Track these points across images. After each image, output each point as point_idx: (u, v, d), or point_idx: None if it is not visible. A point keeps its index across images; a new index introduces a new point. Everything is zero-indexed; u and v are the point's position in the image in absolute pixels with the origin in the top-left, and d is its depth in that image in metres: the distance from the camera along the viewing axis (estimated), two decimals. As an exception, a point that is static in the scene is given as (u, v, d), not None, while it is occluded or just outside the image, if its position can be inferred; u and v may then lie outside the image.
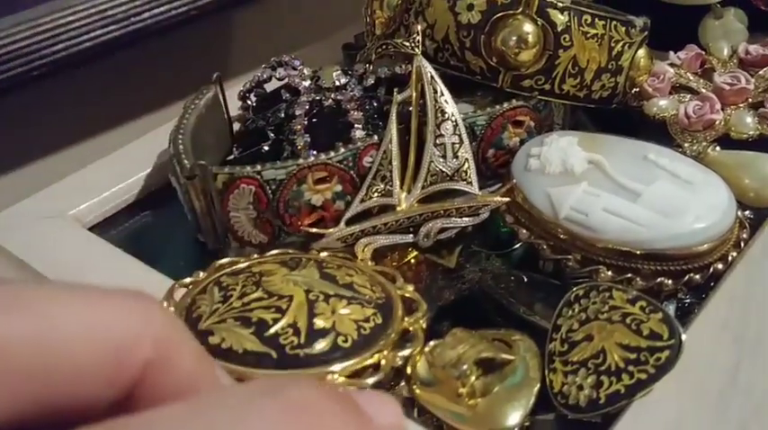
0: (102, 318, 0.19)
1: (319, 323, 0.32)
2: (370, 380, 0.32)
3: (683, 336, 0.31)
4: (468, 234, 0.43)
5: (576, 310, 0.34)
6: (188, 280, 0.36)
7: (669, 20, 0.53)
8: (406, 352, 0.33)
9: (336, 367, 0.31)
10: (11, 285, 0.19)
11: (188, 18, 0.73)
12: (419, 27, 0.41)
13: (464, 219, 0.40)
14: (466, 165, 0.40)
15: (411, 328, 0.34)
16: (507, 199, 0.40)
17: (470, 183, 0.40)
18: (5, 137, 0.65)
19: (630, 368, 0.31)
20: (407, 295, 0.36)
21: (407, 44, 0.40)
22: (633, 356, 0.31)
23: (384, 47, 0.40)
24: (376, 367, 0.32)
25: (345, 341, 0.32)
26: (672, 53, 0.49)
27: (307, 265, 0.36)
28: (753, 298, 0.35)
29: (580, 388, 0.31)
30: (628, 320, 0.32)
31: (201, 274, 0.37)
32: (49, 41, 0.65)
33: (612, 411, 0.30)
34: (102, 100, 0.71)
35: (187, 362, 0.20)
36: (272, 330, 0.32)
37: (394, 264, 0.42)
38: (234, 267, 0.37)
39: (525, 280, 0.42)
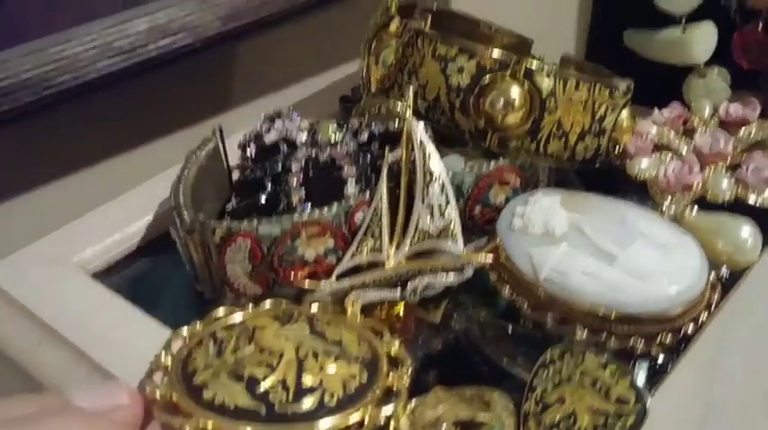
0: None
1: (307, 381, 0.34)
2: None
3: (649, 402, 0.32)
4: (456, 286, 0.45)
5: (551, 372, 0.35)
6: (185, 330, 0.38)
7: (656, 77, 0.55)
8: (389, 409, 0.35)
9: (321, 424, 0.33)
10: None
11: (192, 50, 0.76)
12: (411, 90, 0.43)
13: (449, 275, 0.42)
14: (452, 225, 0.42)
15: (395, 385, 0.36)
16: (491, 258, 0.42)
17: (456, 241, 0.42)
18: (14, 166, 0.68)
19: (599, 431, 0.32)
20: (393, 351, 0.38)
21: (399, 107, 0.42)
22: (601, 420, 0.33)
23: (378, 108, 0.42)
24: (360, 424, 0.34)
25: (331, 398, 0.34)
26: (656, 111, 0.51)
27: (298, 321, 0.38)
28: (720, 361, 0.37)
29: (552, 448, 0.33)
30: (598, 385, 0.34)
31: (199, 325, 0.39)
32: (56, 71, 0.68)
33: (581, 472, 0.32)
34: (108, 130, 0.73)
35: None
36: (263, 386, 0.33)
37: (383, 314, 0.44)
38: (229, 321, 0.38)
39: (510, 331, 0.43)
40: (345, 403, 0.34)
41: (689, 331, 0.39)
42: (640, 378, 0.39)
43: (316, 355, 0.35)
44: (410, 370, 0.37)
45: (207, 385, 0.34)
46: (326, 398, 0.34)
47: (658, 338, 0.39)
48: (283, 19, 0.81)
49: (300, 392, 0.34)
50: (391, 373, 0.36)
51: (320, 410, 0.33)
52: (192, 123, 0.78)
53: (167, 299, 0.45)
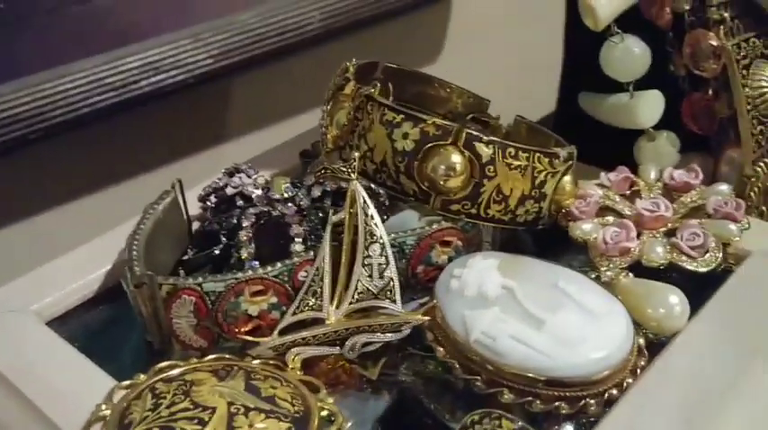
0: None
1: None
2: None
3: (557, 469, 0.34)
4: (398, 344, 0.46)
5: (471, 435, 0.37)
6: (127, 382, 0.40)
7: (608, 139, 0.57)
8: None
9: None
10: None
11: (185, 86, 0.78)
12: (356, 154, 0.45)
13: (387, 334, 0.44)
14: (391, 285, 0.44)
15: None
16: (427, 318, 0.44)
17: (394, 301, 0.44)
18: (4, 197, 0.70)
19: (510, 495, 0.34)
20: (327, 408, 0.39)
21: (344, 170, 0.44)
22: (512, 484, 0.34)
23: (323, 171, 0.44)
24: None
25: None
26: (603, 174, 0.53)
27: (235, 376, 0.39)
28: (635, 424, 0.38)
29: None
30: (512, 450, 0.35)
31: (142, 377, 0.40)
32: (49, 107, 0.70)
33: None
34: (99, 163, 0.76)
35: None
36: None
37: (329, 366, 0.46)
38: (169, 373, 0.40)
39: (452, 386, 0.45)
40: None
41: (613, 394, 0.40)
42: (564, 439, 0.41)
43: (247, 412, 0.37)
44: (344, 426, 0.38)
45: None
46: None
47: (582, 403, 0.40)
48: (274, 57, 0.84)
49: None
50: None
51: None
52: (181, 156, 0.80)
53: (119, 348, 0.47)
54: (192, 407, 0.37)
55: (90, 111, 0.72)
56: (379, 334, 0.44)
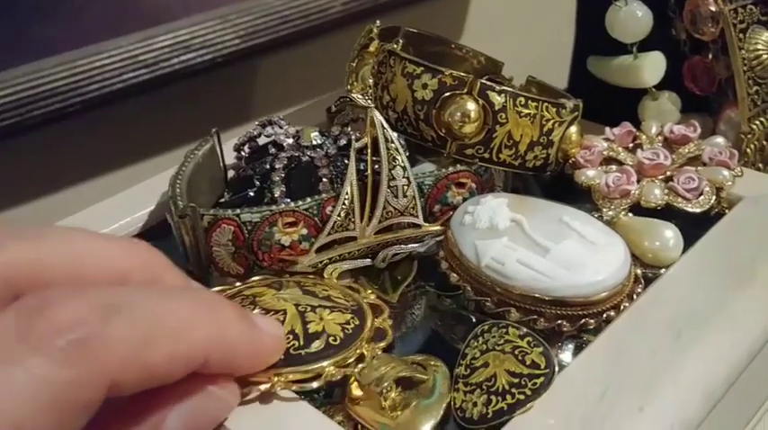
0: (111, 255, 0.31)
1: (312, 328, 0.41)
2: (357, 368, 0.40)
3: (557, 367, 0.38)
4: (417, 276, 0.51)
5: (480, 342, 0.41)
6: None
7: (614, 98, 0.61)
8: (382, 344, 0.42)
9: (331, 361, 0.40)
10: (36, 227, 0.32)
11: (213, 65, 0.83)
12: (370, 81, 0.49)
13: (411, 245, 0.50)
14: (413, 203, 0.49)
15: (381, 326, 0.43)
16: (443, 227, 0.49)
17: (416, 216, 0.49)
18: (44, 167, 0.75)
19: (513, 390, 0.38)
20: (371, 301, 0.45)
21: (361, 98, 0.49)
22: (516, 381, 0.38)
23: (342, 99, 0.49)
24: (360, 358, 0.41)
25: (335, 340, 0.40)
26: (607, 129, 0.57)
27: (289, 286, 0.45)
28: (629, 339, 0.42)
29: (474, 405, 0.39)
30: (516, 352, 0.39)
31: None
32: (85, 81, 0.74)
33: (497, 424, 0.38)
34: (132, 137, 0.80)
35: (170, 279, 0.36)
36: None
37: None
38: (227, 292, 0.45)
39: (471, 319, 0.49)
40: (347, 343, 0.41)
41: (611, 315, 0.45)
42: (566, 354, 0.45)
43: (313, 309, 0.42)
44: (386, 315, 0.44)
45: None
46: (331, 340, 0.40)
47: (582, 321, 0.44)
48: (298, 39, 0.88)
49: (309, 338, 0.40)
50: (375, 318, 0.43)
51: (328, 350, 0.40)
52: (207, 134, 0.85)
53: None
54: (263, 312, 0.42)
55: (123, 86, 0.76)
56: (405, 245, 0.49)
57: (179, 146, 0.85)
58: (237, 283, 0.47)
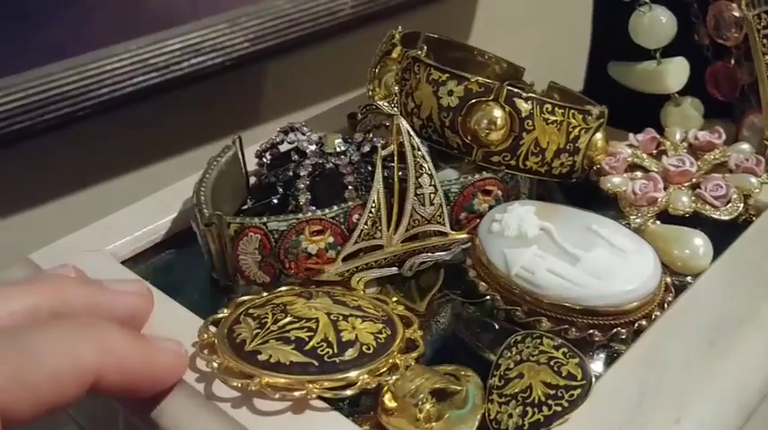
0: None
1: (345, 336, 0.41)
2: (391, 379, 0.40)
3: (593, 379, 0.38)
4: (443, 284, 0.51)
5: (514, 353, 0.41)
6: (217, 316, 0.44)
7: (638, 105, 0.61)
8: (414, 354, 0.42)
9: (365, 369, 0.40)
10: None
11: (223, 68, 0.82)
12: (395, 89, 0.49)
13: (438, 253, 0.49)
14: (440, 211, 0.48)
15: (412, 337, 0.43)
16: (470, 235, 0.49)
17: (443, 224, 0.49)
18: (54, 171, 0.74)
19: (549, 402, 0.38)
20: (400, 313, 0.45)
21: (387, 105, 0.48)
22: (552, 392, 0.38)
23: (368, 107, 0.48)
24: (393, 367, 0.41)
25: (368, 349, 0.40)
26: (631, 135, 0.57)
27: (319, 295, 0.44)
28: (662, 350, 0.42)
29: (510, 416, 0.38)
30: (551, 363, 0.39)
31: (226, 311, 0.44)
32: (96, 85, 0.74)
33: (533, 436, 0.37)
34: (142, 140, 0.80)
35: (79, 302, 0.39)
36: (310, 344, 0.40)
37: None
38: (256, 301, 0.45)
39: (497, 327, 0.49)
40: (380, 351, 0.40)
41: (642, 325, 0.44)
42: (597, 364, 0.44)
43: (345, 318, 0.42)
44: (416, 326, 0.44)
45: (260, 350, 0.40)
46: (364, 349, 0.40)
47: (614, 331, 0.44)
48: (307, 42, 0.88)
49: (342, 346, 0.40)
50: (406, 329, 0.43)
51: (362, 358, 0.40)
52: (218, 137, 0.84)
53: (187, 285, 0.51)
54: (296, 320, 0.41)
55: (134, 90, 0.76)
56: (432, 253, 0.49)
57: (190, 149, 0.84)
58: (264, 293, 0.46)
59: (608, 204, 0.54)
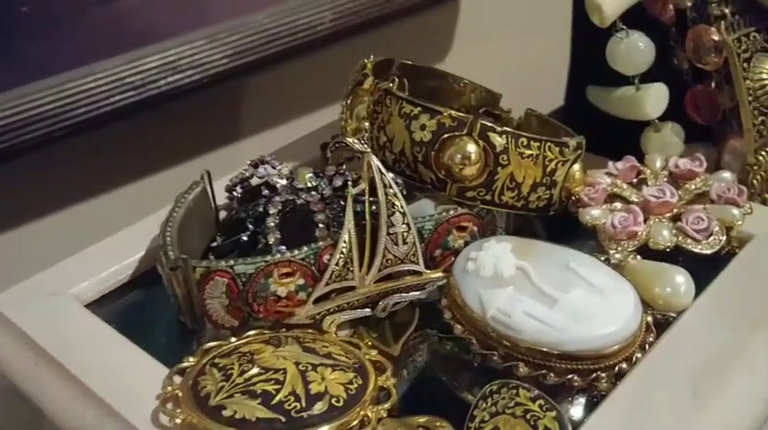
0: None
1: (314, 388, 0.39)
2: None
3: (571, 433, 0.36)
4: (419, 323, 0.49)
5: (489, 403, 0.39)
6: (183, 365, 0.43)
7: (617, 129, 0.60)
8: (387, 405, 0.40)
9: (334, 424, 0.38)
10: None
11: (201, 85, 0.81)
12: (366, 124, 0.48)
13: (413, 293, 0.48)
14: (413, 250, 0.47)
15: (385, 385, 0.42)
16: (445, 274, 0.47)
17: (417, 263, 0.47)
18: (28, 191, 0.72)
19: (526, 457, 0.36)
20: (373, 358, 0.44)
21: (357, 142, 0.47)
22: (529, 448, 0.36)
23: (337, 145, 0.47)
24: (365, 420, 0.39)
25: (338, 402, 0.39)
26: (610, 163, 0.56)
27: (288, 342, 0.43)
28: (644, 397, 0.40)
29: (485, 471, 0.37)
30: (528, 416, 0.38)
31: (192, 359, 0.43)
32: (73, 105, 0.72)
33: (509, 494, 0.36)
34: (121, 160, 0.78)
35: None
36: (277, 398, 0.38)
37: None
38: (222, 349, 0.43)
39: (475, 364, 0.47)
40: (350, 404, 0.39)
41: (623, 368, 0.43)
42: (576, 409, 0.43)
43: (315, 367, 0.41)
44: (389, 372, 0.43)
45: (224, 405, 0.38)
46: (334, 402, 0.39)
47: (593, 375, 0.42)
48: (287, 57, 0.86)
49: (311, 399, 0.39)
50: (378, 376, 0.42)
51: (331, 412, 0.38)
52: (198, 153, 0.83)
53: (153, 328, 0.50)
54: (263, 371, 0.40)
55: (112, 109, 0.74)
56: (406, 293, 0.47)
57: (169, 166, 0.83)
58: (233, 338, 0.45)
59: (587, 235, 0.52)
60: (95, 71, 0.72)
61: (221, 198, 0.56)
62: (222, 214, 0.56)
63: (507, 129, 0.48)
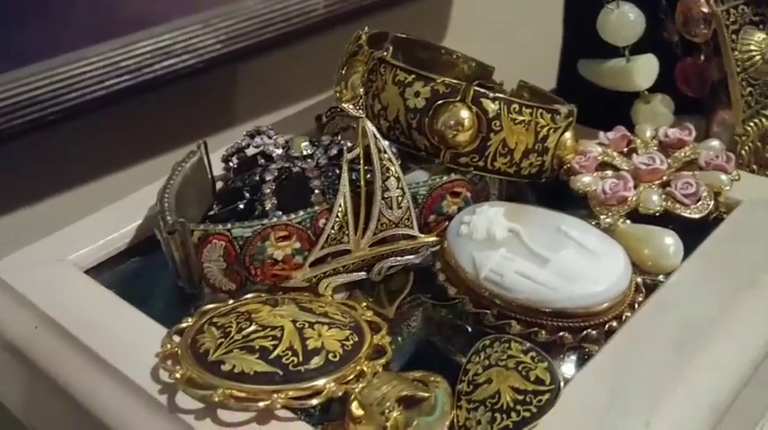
0: None
1: (311, 344, 0.40)
2: (358, 387, 0.39)
3: (562, 383, 0.37)
4: (413, 288, 0.50)
5: (482, 357, 0.40)
6: (181, 325, 0.43)
7: (608, 102, 0.60)
8: (382, 361, 0.41)
9: (331, 377, 0.39)
10: None
11: (195, 70, 0.81)
12: (361, 90, 0.48)
13: (407, 257, 0.49)
14: (408, 214, 0.48)
15: (380, 343, 0.42)
16: (439, 238, 0.48)
17: (412, 227, 0.48)
18: (19, 177, 0.73)
19: (518, 407, 0.37)
20: (369, 319, 0.44)
21: (351, 107, 0.48)
22: (521, 397, 0.37)
23: (333, 110, 0.48)
24: (360, 375, 0.40)
25: (335, 357, 0.40)
26: (601, 134, 0.56)
27: (285, 303, 0.44)
28: (633, 352, 0.41)
29: (479, 422, 0.38)
30: (520, 367, 0.38)
31: (190, 320, 0.44)
32: (65, 89, 0.73)
33: (502, 443, 0.37)
34: (114, 144, 0.79)
35: None
36: (274, 353, 0.39)
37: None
38: (221, 310, 0.44)
39: (468, 329, 0.48)
40: (346, 359, 0.40)
41: (613, 326, 0.44)
42: (568, 366, 0.44)
43: (312, 325, 0.41)
44: (384, 331, 0.43)
45: (224, 361, 0.39)
46: (330, 357, 0.40)
47: (584, 332, 0.43)
48: (280, 43, 0.87)
49: (308, 354, 0.39)
50: (374, 335, 0.42)
51: (328, 366, 0.39)
52: (192, 139, 0.83)
53: (152, 293, 0.50)
54: (260, 328, 0.41)
55: (106, 93, 0.75)
56: (401, 257, 0.48)
57: (164, 152, 0.83)
58: (230, 301, 0.45)
59: (579, 203, 0.53)
60: (88, 55, 0.73)
61: (217, 170, 0.57)
62: (218, 185, 0.57)
63: (499, 95, 0.49)
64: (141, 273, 0.52)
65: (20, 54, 0.70)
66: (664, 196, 0.50)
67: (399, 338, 0.47)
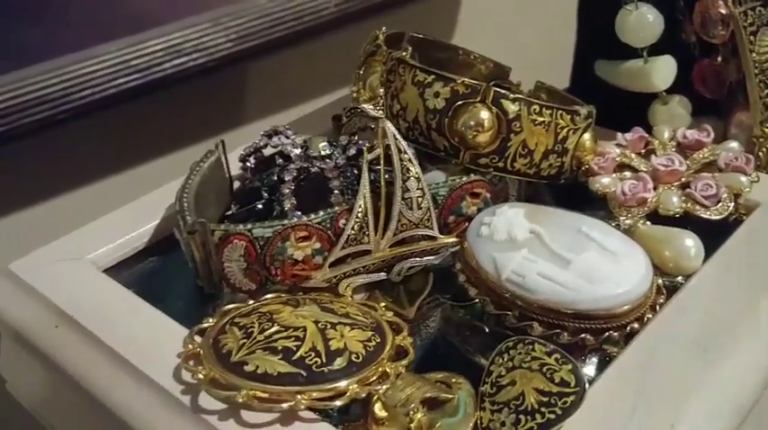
0: None
1: (334, 345, 0.40)
2: (382, 389, 0.39)
3: (587, 385, 0.37)
4: (433, 288, 0.50)
5: (506, 359, 0.40)
6: (203, 325, 0.43)
7: (624, 103, 0.60)
8: (404, 362, 0.41)
9: (354, 378, 0.39)
10: None
11: (205, 69, 0.81)
12: (380, 91, 0.48)
13: (426, 257, 0.49)
14: (428, 215, 0.48)
15: (402, 344, 0.42)
16: (459, 239, 0.48)
17: (431, 228, 0.48)
18: (31, 175, 0.73)
19: (543, 409, 0.37)
20: (390, 319, 0.44)
21: (371, 108, 0.48)
22: (546, 399, 0.37)
23: (353, 110, 0.48)
24: (383, 376, 0.40)
25: (358, 358, 0.40)
26: (619, 135, 0.56)
27: (306, 303, 0.44)
28: (656, 354, 0.41)
29: (503, 424, 0.38)
30: (544, 369, 0.38)
31: (212, 320, 0.44)
32: (76, 88, 0.73)
33: (527, 445, 0.37)
34: (125, 143, 0.79)
35: None
36: (298, 354, 0.39)
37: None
38: (242, 310, 0.44)
39: (487, 330, 0.48)
40: (370, 360, 0.40)
41: (635, 328, 0.44)
42: (589, 368, 0.44)
43: (334, 326, 0.41)
44: (405, 332, 0.43)
45: (246, 361, 0.39)
46: (353, 358, 0.40)
47: (606, 334, 0.43)
48: (291, 42, 0.87)
49: (331, 355, 0.39)
50: (396, 336, 0.42)
51: (351, 367, 0.39)
52: (203, 138, 0.83)
53: (171, 293, 0.50)
54: (283, 329, 0.41)
55: (116, 92, 0.75)
56: (420, 257, 0.48)
57: (173, 151, 0.83)
58: (251, 301, 0.45)
59: (597, 205, 0.53)
60: (99, 53, 0.73)
61: (235, 169, 0.57)
62: (236, 185, 0.57)
63: (520, 95, 0.48)
64: (160, 272, 0.52)
65: (30, 52, 0.70)
66: (683, 198, 0.50)
67: (419, 339, 0.47)
